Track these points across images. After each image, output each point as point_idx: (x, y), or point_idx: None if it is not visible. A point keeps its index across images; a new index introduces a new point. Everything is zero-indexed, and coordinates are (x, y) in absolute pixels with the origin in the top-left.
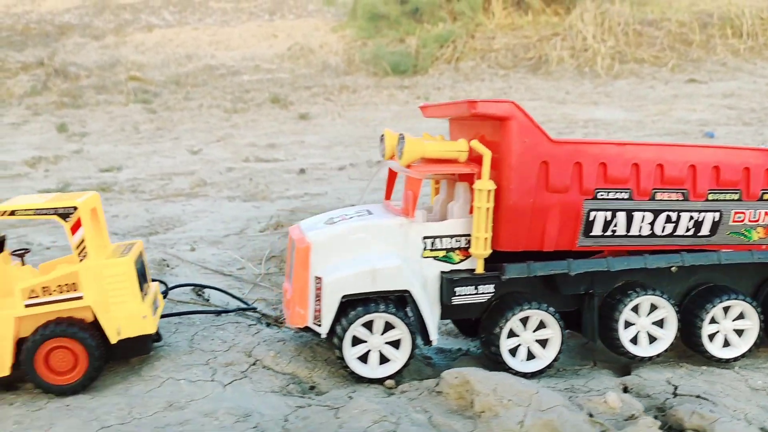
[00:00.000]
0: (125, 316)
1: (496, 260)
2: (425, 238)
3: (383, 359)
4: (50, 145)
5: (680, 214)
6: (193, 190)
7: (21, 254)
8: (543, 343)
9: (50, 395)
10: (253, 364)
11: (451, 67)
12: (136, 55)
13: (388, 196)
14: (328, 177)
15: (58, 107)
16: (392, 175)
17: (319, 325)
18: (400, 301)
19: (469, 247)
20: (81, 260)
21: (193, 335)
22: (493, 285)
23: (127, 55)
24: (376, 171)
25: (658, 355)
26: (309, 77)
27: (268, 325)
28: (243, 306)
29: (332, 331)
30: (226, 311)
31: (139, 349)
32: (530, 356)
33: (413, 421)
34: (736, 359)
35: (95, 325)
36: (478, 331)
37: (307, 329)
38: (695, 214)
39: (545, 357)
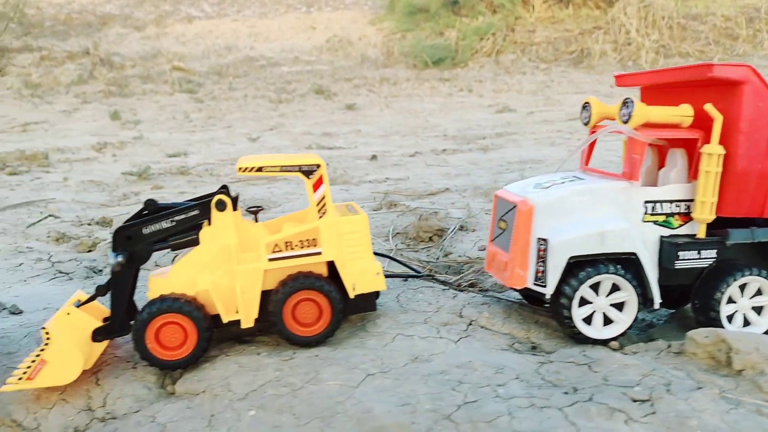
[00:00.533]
0: (360, 272)
1: (713, 227)
2: (646, 202)
3: (606, 321)
4: (106, 131)
5: None
6: None
7: (255, 212)
8: (758, 310)
9: (292, 347)
10: (470, 324)
11: (491, 60)
12: (177, 46)
13: (587, 163)
14: (403, 163)
15: (105, 96)
16: (592, 144)
17: (543, 286)
18: (625, 264)
19: (688, 213)
20: (321, 217)
21: (397, 297)
22: (716, 250)
23: (168, 46)
24: (585, 140)
25: None
26: (349, 69)
27: (458, 289)
28: (423, 273)
29: (557, 291)
30: (418, 275)
31: (369, 306)
32: (746, 323)
33: (675, 376)
34: None
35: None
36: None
37: (524, 291)
38: None
39: (761, 324)
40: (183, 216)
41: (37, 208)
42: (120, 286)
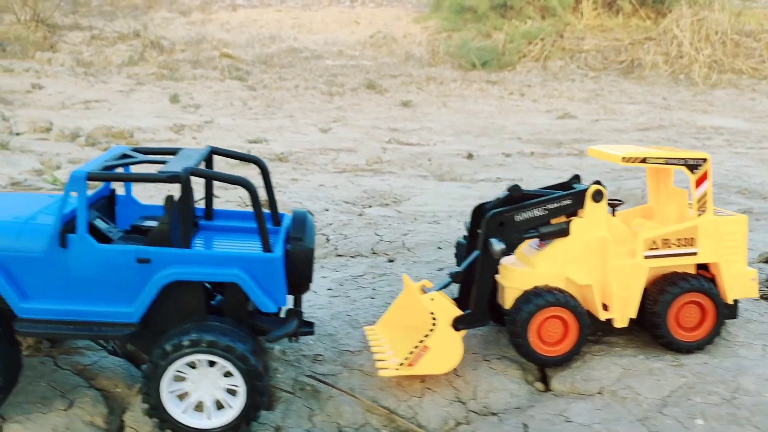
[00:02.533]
0: (734, 276)
1: None
2: None
3: None
4: (169, 114)
5: None
6: (372, 166)
7: (614, 205)
8: None
9: (660, 349)
10: None
11: (538, 65)
12: (222, 33)
13: None
14: (507, 163)
15: (158, 78)
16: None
17: None
18: None
19: None
20: (700, 215)
21: None
22: None
23: (213, 32)
24: None
25: None
26: (393, 66)
27: None
28: None
29: None
30: None
31: (731, 313)
32: None
33: None
34: None
35: None
36: None
37: None
38: None
39: None
40: (556, 205)
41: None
42: (487, 274)
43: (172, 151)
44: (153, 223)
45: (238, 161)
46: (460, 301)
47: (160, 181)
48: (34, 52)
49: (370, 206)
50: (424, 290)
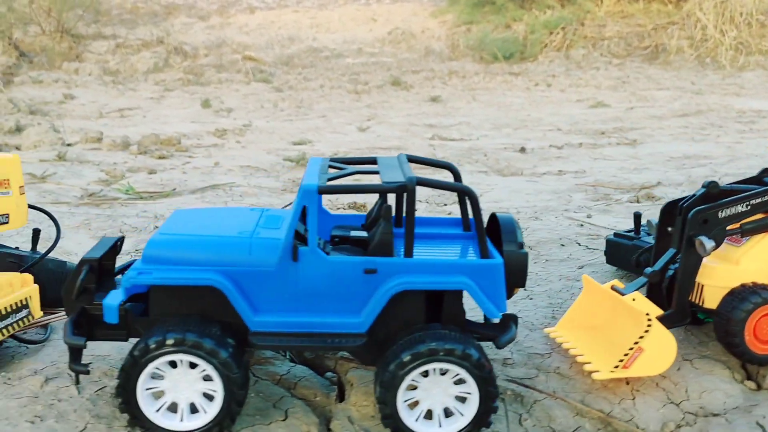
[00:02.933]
0: None
1: None
2: None
3: None
4: (203, 118)
5: None
6: None
7: None
8: None
9: None
10: None
11: (561, 54)
12: (241, 36)
13: None
14: (563, 155)
15: (184, 84)
16: None
17: None
18: None
19: None
20: None
21: None
22: None
23: (233, 36)
24: None
25: None
26: (414, 62)
27: None
28: None
29: None
30: None
31: None
32: None
33: None
34: None
35: None
36: None
37: None
38: None
39: None
40: (759, 200)
41: (225, 192)
42: (691, 272)
43: (372, 160)
44: (361, 233)
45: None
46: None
47: (388, 192)
48: (61, 62)
49: (445, 204)
50: (618, 290)
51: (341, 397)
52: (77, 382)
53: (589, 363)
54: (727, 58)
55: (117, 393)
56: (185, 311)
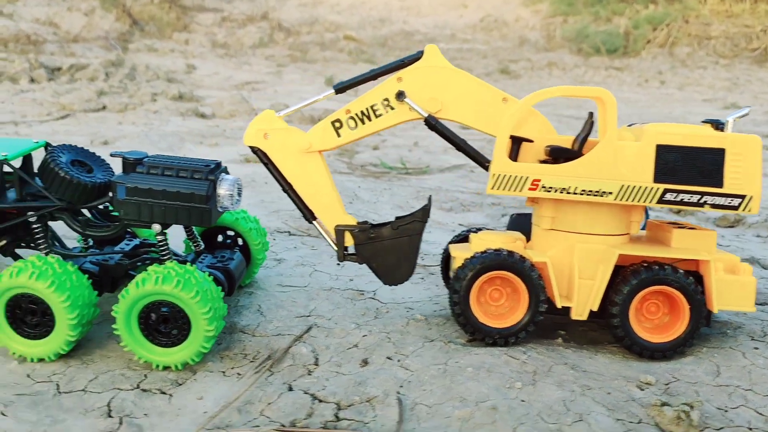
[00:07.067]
0: None
1: None
2: None
3: None
4: (337, 96)
5: None
6: None
7: None
8: None
9: None
10: None
11: (664, 51)
12: (333, 15)
13: None
14: None
15: (293, 60)
16: None
17: None
18: None
19: None
20: None
21: None
22: None
23: (325, 14)
24: None
25: None
26: (509, 50)
27: None
28: None
29: None
30: None
31: None
32: None
33: None
34: None
35: None
36: None
37: None
38: None
39: None
40: None
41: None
42: None
43: None
44: None
45: None
46: None
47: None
48: (171, 32)
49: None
50: None
51: None
52: None
53: None
54: None
55: None
56: None
